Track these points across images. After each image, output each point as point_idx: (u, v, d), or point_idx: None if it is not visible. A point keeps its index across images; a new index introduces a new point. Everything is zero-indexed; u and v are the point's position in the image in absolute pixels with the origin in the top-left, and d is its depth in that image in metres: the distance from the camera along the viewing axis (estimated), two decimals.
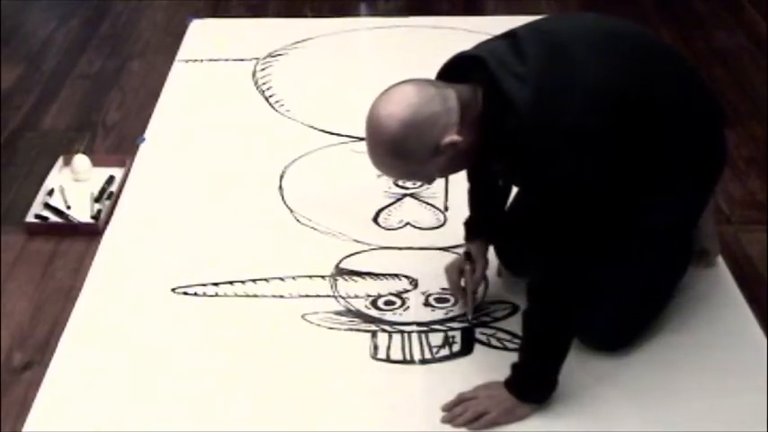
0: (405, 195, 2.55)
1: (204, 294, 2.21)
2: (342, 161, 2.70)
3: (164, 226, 2.44)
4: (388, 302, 2.18)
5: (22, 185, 2.63)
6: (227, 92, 3.06)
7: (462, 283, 2.11)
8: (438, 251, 2.34)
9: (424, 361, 2.03)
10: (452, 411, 1.88)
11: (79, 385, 1.97)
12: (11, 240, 2.41)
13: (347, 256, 2.33)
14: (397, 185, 2.59)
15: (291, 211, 2.49)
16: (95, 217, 2.47)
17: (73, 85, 3.16)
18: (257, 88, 3.07)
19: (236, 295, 2.21)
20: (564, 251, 1.76)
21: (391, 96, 1.70)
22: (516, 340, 2.02)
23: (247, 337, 2.09)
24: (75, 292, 2.23)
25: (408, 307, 2.17)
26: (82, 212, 2.49)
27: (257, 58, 3.24)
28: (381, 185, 2.59)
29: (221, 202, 2.53)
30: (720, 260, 2.26)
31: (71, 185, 2.61)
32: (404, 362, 2.02)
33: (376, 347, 2.06)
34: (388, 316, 2.15)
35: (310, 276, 2.26)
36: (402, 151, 1.69)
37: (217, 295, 2.21)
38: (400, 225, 2.44)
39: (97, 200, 2.54)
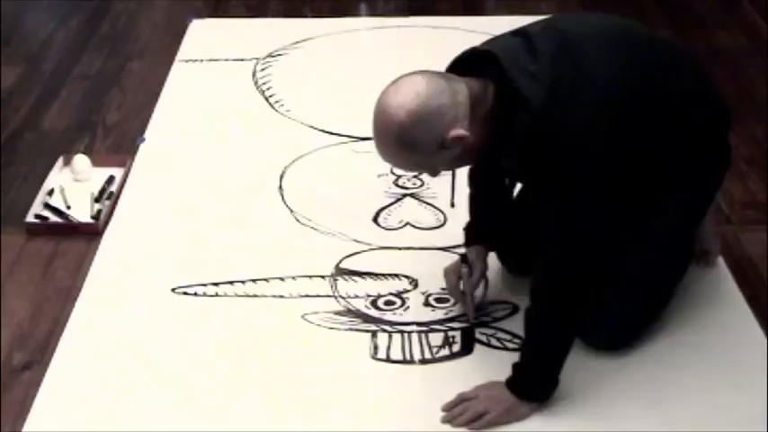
0: (405, 195, 2.55)
1: (204, 294, 2.21)
2: (342, 161, 2.70)
3: (164, 226, 2.44)
4: (388, 302, 2.18)
5: (22, 185, 2.63)
6: (227, 92, 3.06)
7: (462, 286, 2.11)
8: (438, 251, 2.34)
9: (424, 361, 2.03)
10: (452, 411, 1.88)
11: (79, 385, 1.97)
12: (11, 240, 2.41)
13: (347, 256, 2.32)
14: (397, 185, 2.59)
15: (291, 211, 2.49)
16: (95, 217, 2.47)
17: (73, 85, 3.16)
18: (257, 88, 3.07)
19: (236, 295, 2.21)
20: (569, 250, 1.76)
21: (400, 86, 1.70)
22: (516, 340, 2.03)
23: (247, 337, 2.09)
24: (75, 292, 2.23)
25: (408, 307, 2.17)
26: (82, 212, 2.49)
27: (257, 58, 3.24)
28: (381, 185, 2.59)
29: (221, 201, 2.53)
30: (720, 260, 2.26)
31: (71, 185, 2.61)
32: (404, 362, 2.02)
33: (376, 347, 2.06)
34: (388, 316, 2.15)
35: (310, 276, 2.26)
36: (408, 142, 1.69)
37: (217, 295, 2.21)
38: (400, 225, 2.44)
39: (97, 200, 2.54)
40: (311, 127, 2.85)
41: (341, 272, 2.28)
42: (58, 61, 3.32)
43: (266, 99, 3.01)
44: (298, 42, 3.34)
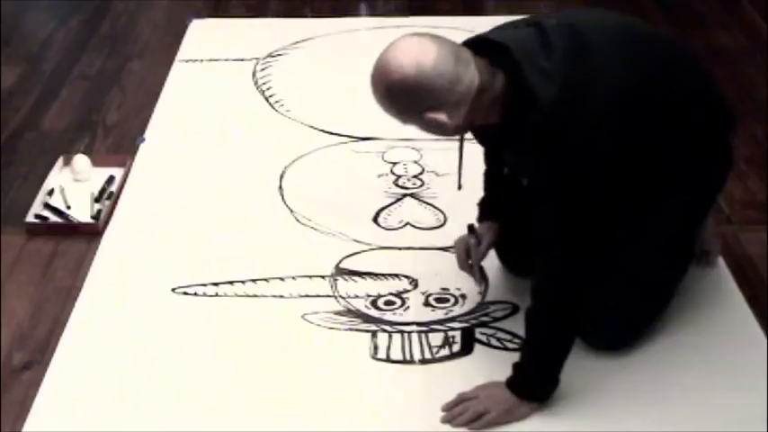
0: (405, 195, 2.55)
1: (204, 294, 2.21)
2: (342, 161, 2.70)
3: (164, 226, 2.44)
4: (388, 302, 2.18)
5: (22, 185, 2.63)
6: (227, 92, 3.06)
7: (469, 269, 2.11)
8: (438, 251, 2.34)
9: (424, 361, 2.03)
10: (452, 411, 1.87)
11: (79, 385, 1.97)
12: (11, 240, 2.41)
13: (347, 256, 2.32)
14: (397, 185, 2.59)
15: (291, 211, 2.49)
16: (95, 217, 2.47)
17: (73, 85, 3.16)
18: (257, 88, 3.07)
19: (236, 295, 2.21)
20: (570, 249, 1.76)
21: (412, 48, 1.67)
22: (516, 340, 2.03)
23: (247, 337, 2.09)
24: (75, 292, 2.23)
25: (408, 307, 2.17)
26: (82, 212, 2.49)
27: (257, 58, 3.24)
28: (381, 185, 2.59)
29: (221, 201, 2.53)
30: (720, 260, 2.26)
31: (71, 185, 2.61)
32: (404, 362, 2.02)
33: (376, 347, 2.06)
34: (388, 316, 2.15)
35: (310, 276, 2.26)
36: (392, 97, 1.70)
37: (217, 295, 2.21)
38: (400, 225, 2.44)
39: (97, 200, 2.54)
40: (311, 127, 2.85)
41: (341, 272, 2.28)
42: (58, 61, 3.32)
43: (266, 99, 3.01)
44: (298, 42, 3.35)
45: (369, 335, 2.09)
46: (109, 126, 2.93)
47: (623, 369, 1.98)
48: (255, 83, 3.10)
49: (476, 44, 1.75)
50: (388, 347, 2.06)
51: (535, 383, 1.87)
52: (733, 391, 1.92)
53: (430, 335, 2.09)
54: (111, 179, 2.61)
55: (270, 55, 3.27)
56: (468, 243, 2.09)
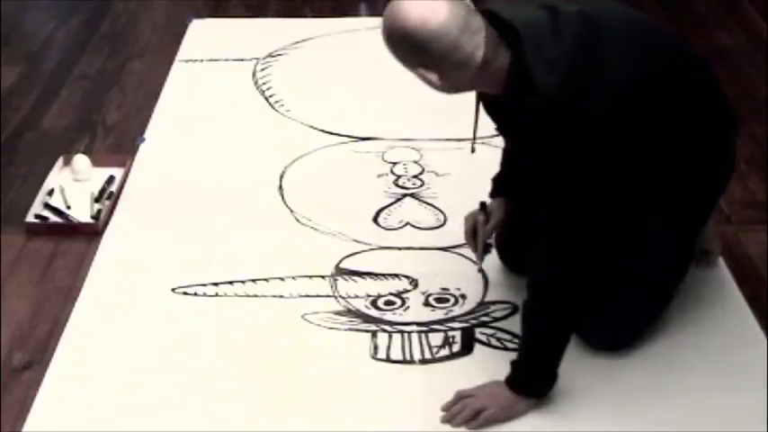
0: (405, 195, 2.55)
1: (204, 294, 2.21)
2: (342, 161, 2.70)
3: (164, 226, 2.44)
4: (388, 302, 2.18)
5: (22, 185, 2.63)
6: (227, 92, 3.06)
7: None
8: (438, 251, 2.34)
9: (424, 361, 2.03)
10: (451, 410, 1.87)
11: (79, 385, 1.97)
12: (11, 240, 2.41)
13: (347, 256, 2.32)
14: (397, 185, 2.59)
15: (291, 211, 2.49)
16: (95, 217, 2.47)
17: (73, 85, 3.16)
18: (257, 88, 3.07)
19: (236, 295, 2.21)
20: (566, 243, 1.76)
21: (427, 1, 1.65)
22: (516, 340, 2.02)
23: (247, 337, 2.09)
24: (75, 292, 2.23)
25: (408, 307, 2.17)
26: (82, 212, 2.49)
27: (257, 58, 3.24)
28: (381, 185, 2.59)
29: (221, 202, 2.53)
30: (720, 260, 2.26)
31: (71, 185, 2.61)
32: (404, 362, 2.02)
33: (376, 347, 2.06)
34: (388, 316, 2.15)
35: (310, 276, 2.26)
36: (391, 44, 1.70)
37: (217, 295, 2.21)
38: (400, 225, 2.44)
39: (97, 200, 2.54)
40: (311, 127, 2.85)
41: (341, 272, 2.28)
42: (58, 61, 3.32)
43: (266, 99, 3.01)
44: (298, 42, 3.35)
45: (369, 335, 2.09)
46: (109, 126, 2.93)
47: (623, 369, 1.98)
48: (255, 83, 3.10)
49: (492, 15, 1.73)
50: (388, 347, 2.06)
51: (533, 379, 1.87)
52: (733, 392, 1.92)
53: (430, 335, 2.09)
54: (111, 179, 2.61)
55: (270, 55, 3.27)
56: (477, 219, 2.09)
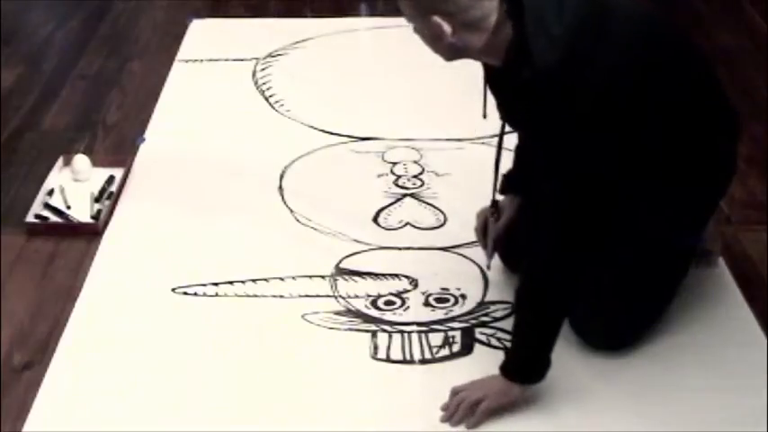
0: (405, 195, 2.55)
1: (204, 294, 2.21)
2: (342, 161, 2.70)
3: (164, 226, 2.44)
4: (388, 302, 2.18)
5: (22, 185, 2.63)
6: (227, 92, 3.07)
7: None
8: (438, 251, 2.34)
9: (424, 361, 2.03)
10: (449, 407, 1.87)
11: (79, 385, 1.97)
12: (11, 240, 2.41)
13: (347, 256, 2.32)
14: (397, 185, 2.59)
15: (291, 211, 2.49)
16: (95, 217, 2.47)
17: (73, 85, 3.16)
18: (257, 88, 3.07)
19: (236, 295, 2.21)
20: (561, 226, 1.75)
21: None
22: None
23: (247, 337, 2.09)
24: (75, 292, 2.23)
25: (408, 307, 2.17)
26: (82, 212, 2.49)
27: (257, 58, 3.24)
28: (381, 185, 2.59)
29: (221, 202, 2.53)
30: (721, 260, 2.26)
31: (71, 185, 2.61)
32: (404, 362, 2.02)
33: (376, 347, 2.06)
34: (388, 316, 2.15)
35: (310, 276, 2.25)
36: None
37: (217, 295, 2.21)
38: (400, 225, 2.44)
39: (97, 200, 2.54)
40: (311, 127, 2.85)
41: (341, 272, 2.28)
42: (58, 61, 3.32)
43: (266, 99, 3.01)
44: (298, 42, 3.35)
45: (369, 335, 2.09)
46: (109, 126, 2.93)
47: (624, 369, 1.98)
48: (255, 83, 3.10)
49: None
50: (388, 347, 2.06)
51: (526, 365, 1.85)
52: (733, 391, 1.92)
53: (430, 335, 2.09)
54: (111, 179, 2.61)
55: (270, 55, 3.27)
56: (488, 217, 2.08)
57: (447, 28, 1.68)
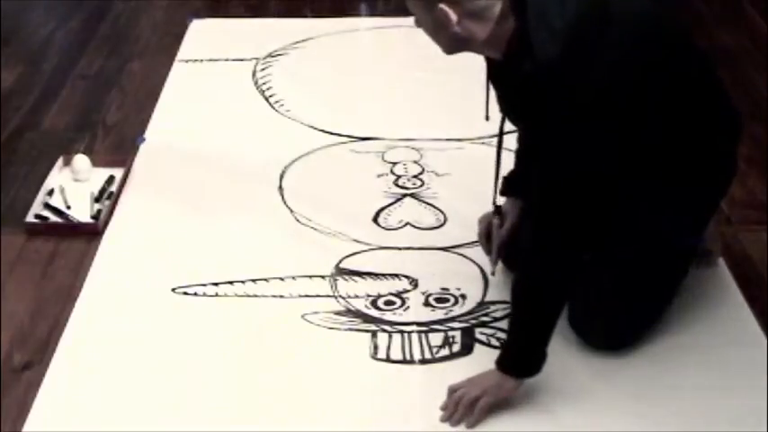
0: (405, 195, 2.55)
1: (204, 294, 2.21)
2: (342, 161, 2.70)
3: (164, 226, 2.44)
4: (388, 302, 2.18)
5: (22, 185, 2.63)
6: (227, 92, 3.07)
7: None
8: (438, 251, 2.34)
9: (424, 361, 2.03)
10: (448, 406, 1.87)
11: (79, 385, 1.97)
12: (11, 240, 2.41)
13: (347, 256, 2.32)
14: (397, 185, 2.59)
15: (291, 211, 2.49)
16: (95, 217, 2.47)
17: (73, 85, 3.16)
18: (257, 88, 3.07)
19: (236, 295, 2.21)
20: (557, 219, 1.75)
21: None
22: None
23: (247, 337, 2.09)
24: (75, 292, 2.23)
25: (408, 307, 2.17)
26: (82, 212, 2.49)
27: (257, 58, 3.24)
28: (381, 185, 2.59)
29: (221, 202, 2.53)
30: (721, 260, 2.26)
31: (71, 185, 2.61)
32: (404, 362, 2.02)
33: (376, 347, 2.06)
34: (388, 316, 2.15)
35: (310, 276, 2.25)
36: None
37: (217, 295, 2.21)
38: (400, 225, 2.44)
39: (97, 200, 2.54)
40: (311, 127, 2.85)
41: (341, 272, 2.28)
42: (58, 61, 3.32)
43: (266, 99, 3.01)
44: (298, 42, 3.35)
45: (369, 335, 2.09)
46: (109, 126, 2.93)
47: (624, 369, 1.98)
48: (255, 83, 3.10)
49: None
50: (388, 347, 2.06)
51: (522, 358, 1.85)
52: (733, 391, 1.92)
53: (430, 335, 2.09)
54: (111, 179, 2.61)
55: (270, 55, 3.27)
56: (491, 222, 2.08)
57: (453, 16, 1.68)
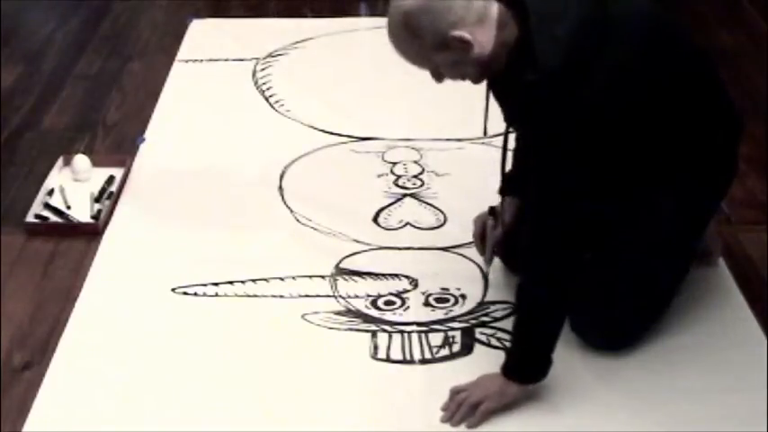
0: (405, 195, 2.55)
1: (204, 294, 2.21)
2: (342, 161, 2.70)
3: (164, 226, 2.44)
4: (388, 302, 2.18)
5: (22, 185, 2.63)
6: (227, 92, 3.07)
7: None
8: (438, 251, 2.34)
9: (424, 361, 2.02)
10: (449, 408, 1.87)
11: (79, 385, 1.97)
12: (11, 240, 2.41)
13: (347, 256, 2.32)
14: (397, 185, 2.59)
15: (291, 211, 2.49)
16: (95, 217, 2.47)
17: (73, 85, 3.16)
18: (257, 88, 3.07)
19: (236, 295, 2.21)
20: (557, 224, 1.75)
21: None
22: None
23: (247, 337, 2.09)
24: (75, 292, 2.23)
25: (408, 307, 2.17)
26: (82, 212, 2.49)
27: (257, 58, 3.24)
28: (381, 185, 2.59)
29: (221, 202, 2.53)
30: (721, 260, 2.26)
31: (71, 185, 2.61)
32: (404, 362, 2.02)
33: (376, 347, 2.06)
34: (388, 316, 2.14)
35: (310, 276, 2.25)
36: (413, 28, 1.70)
37: (217, 295, 2.21)
38: (400, 225, 2.44)
39: (97, 200, 2.54)
40: (311, 127, 2.85)
41: (341, 272, 2.28)
42: (58, 61, 3.32)
43: (266, 99, 3.01)
44: (298, 42, 3.35)
45: (369, 335, 2.09)
46: (109, 126, 2.93)
47: (624, 369, 1.98)
48: (255, 83, 3.10)
49: None
50: (388, 347, 2.06)
51: (527, 365, 1.85)
52: (733, 391, 1.92)
53: (430, 335, 2.09)
54: (111, 179, 2.61)
55: (270, 55, 3.27)
56: (486, 223, 2.08)
57: (467, 35, 1.68)
